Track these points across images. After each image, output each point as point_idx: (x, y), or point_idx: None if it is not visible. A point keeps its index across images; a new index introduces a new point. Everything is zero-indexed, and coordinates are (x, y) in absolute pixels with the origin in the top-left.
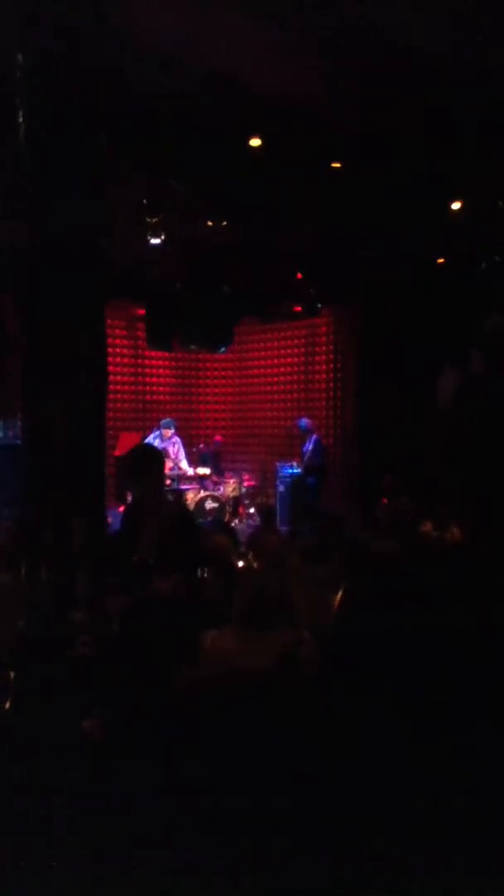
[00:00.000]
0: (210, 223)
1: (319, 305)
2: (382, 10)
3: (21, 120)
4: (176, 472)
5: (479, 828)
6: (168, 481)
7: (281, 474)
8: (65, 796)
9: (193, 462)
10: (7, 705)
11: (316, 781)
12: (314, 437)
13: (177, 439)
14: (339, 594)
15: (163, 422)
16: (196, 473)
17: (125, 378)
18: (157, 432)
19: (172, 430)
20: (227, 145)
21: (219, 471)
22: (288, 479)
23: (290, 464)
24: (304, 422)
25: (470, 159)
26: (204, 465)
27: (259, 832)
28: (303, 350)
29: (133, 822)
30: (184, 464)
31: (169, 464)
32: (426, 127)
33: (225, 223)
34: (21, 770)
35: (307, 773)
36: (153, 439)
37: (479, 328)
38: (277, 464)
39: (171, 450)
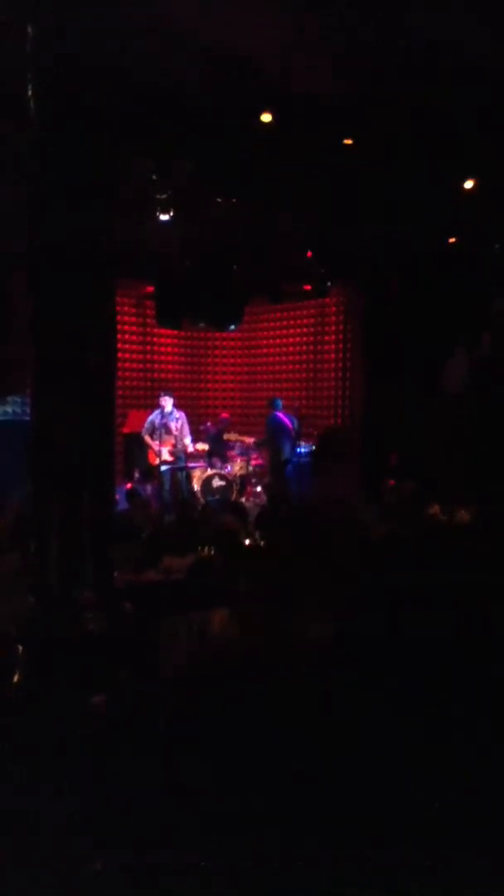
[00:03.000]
0: (220, 200)
1: (329, 284)
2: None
3: (27, 97)
4: (180, 447)
5: (479, 828)
6: (172, 458)
7: None
8: (65, 793)
9: (199, 440)
10: (15, 680)
11: (316, 781)
12: (273, 413)
13: (180, 414)
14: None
15: (161, 398)
16: (196, 449)
17: (134, 356)
18: (159, 409)
19: (172, 403)
20: (236, 123)
21: (226, 449)
22: (296, 460)
23: (298, 444)
24: (274, 400)
25: (479, 142)
26: (207, 441)
27: (259, 832)
28: (312, 330)
29: (133, 821)
30: (187, 440)
31: (171, 440)
32: (435, 110)
33: (235, 201)
34: (24, 763)
35: (307, 772)
36: (155, 416)
37: (487, 311)
38: None
39: (173, 426)
